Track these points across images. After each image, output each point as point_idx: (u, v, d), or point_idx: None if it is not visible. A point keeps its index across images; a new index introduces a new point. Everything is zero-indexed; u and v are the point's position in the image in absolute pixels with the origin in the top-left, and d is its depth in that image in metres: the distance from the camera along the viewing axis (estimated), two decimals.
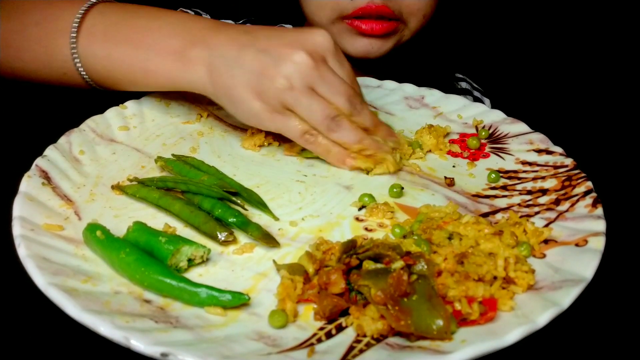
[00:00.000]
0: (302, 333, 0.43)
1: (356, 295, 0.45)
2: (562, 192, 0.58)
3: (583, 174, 0.60)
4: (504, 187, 0.61)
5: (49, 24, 0.63)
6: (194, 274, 0.48)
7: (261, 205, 0.55)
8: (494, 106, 0.76)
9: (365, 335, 0.42)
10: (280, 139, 0.64)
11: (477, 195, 0.60)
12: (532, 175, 0.62)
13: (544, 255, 0.50)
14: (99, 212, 0.53)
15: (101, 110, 0.65)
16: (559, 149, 0.65)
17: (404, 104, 0.75)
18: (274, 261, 0.48)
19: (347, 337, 0.42)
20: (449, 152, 0.66)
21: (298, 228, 0.53)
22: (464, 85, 0.99)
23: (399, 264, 0.45)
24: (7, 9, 0.65)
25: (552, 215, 0.56)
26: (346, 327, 0.43)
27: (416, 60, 0.92)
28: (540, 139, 0.66)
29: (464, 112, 0.73)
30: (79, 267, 0.46)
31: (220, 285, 0.45)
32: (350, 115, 0.58)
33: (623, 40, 1.25)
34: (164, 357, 0.38)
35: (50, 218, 0.51)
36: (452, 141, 0.68)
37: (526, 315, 0.43)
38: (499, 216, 0.56)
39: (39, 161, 0.56)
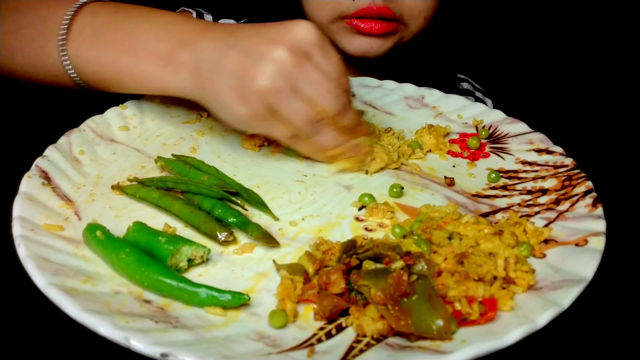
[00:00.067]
0: (302, 333, 0.43)
1: (356, 295, 0.45)
2: (562, 192, 0.58)
3: (583, 174, 0.60)
4: (504, 187, 0.61)
5: (40, 24, 0.62)
6: (194, 274, 0.48)
7: (261, 205, 0.55)
8: (494, 106, 0.76)
9: (365, 336, 0.42)
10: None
11: (477, 195, 0.60)
12: (532, 175, 0.62)
13: (544, 255, 0.50)
14: (99, 212, 0.53)
15: (101, 110, 0.65)
16: (559, 149, 0.64)
17: (404, 104, 0.75)
18: (274, 261, 0.48)
19: (347, 337, 0.42)
20: (449, 152, 0.66)
21: (298, 228, 0.53)
22: (465, 85, 0.99)
23: (399, 264, 0.45)
24: (3, 8, 0.64)
25: (552, 215, 0.56)
26: (346, 327, 0.43)
27: (417, 60, 0.92)
28: (540, 139, 0.66)
29: (464, 112, 0.73)
30: (79, 267, 0.46)
31: (220, 285, 0.45)
32: (335, 116, 0.56)
33: (623, 40, 1.25)
34: (164, 357, 0.38)
35: (50, 218, 0.51)
36: (452, 141, 0.68)
37: (526, 315, 0.43)
38: (499, 216, 0.56)
39: (39, 161, 0.56)
